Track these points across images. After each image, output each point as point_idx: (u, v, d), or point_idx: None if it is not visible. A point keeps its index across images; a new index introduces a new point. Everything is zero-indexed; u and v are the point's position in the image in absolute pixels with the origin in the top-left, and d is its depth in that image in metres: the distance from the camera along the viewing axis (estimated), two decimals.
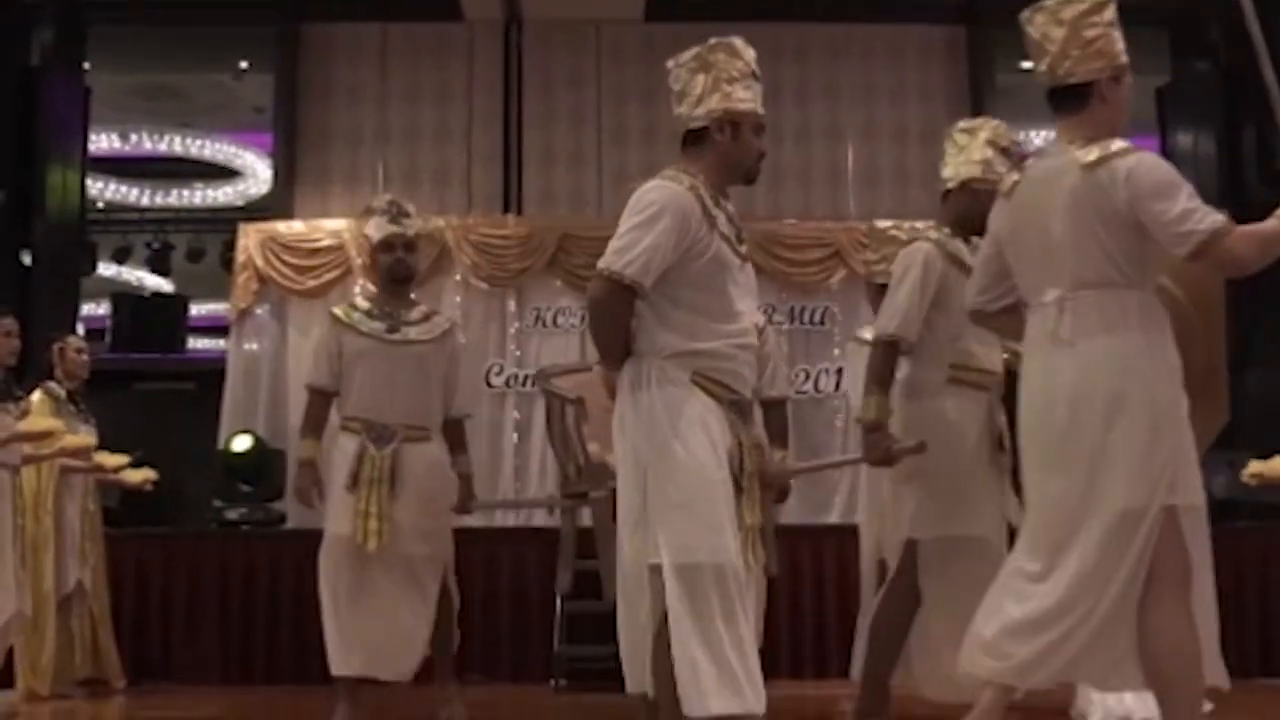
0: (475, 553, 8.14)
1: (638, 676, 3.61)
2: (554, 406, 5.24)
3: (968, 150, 4.78)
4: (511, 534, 8.53)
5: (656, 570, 3.45)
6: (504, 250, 9.74)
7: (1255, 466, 7.57)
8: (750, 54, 3.79)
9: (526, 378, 9.42)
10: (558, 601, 7.50)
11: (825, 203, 10.88)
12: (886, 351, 4.53)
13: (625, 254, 3.54)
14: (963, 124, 4.93)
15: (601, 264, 3.58)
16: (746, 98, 3.75)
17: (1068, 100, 3.81)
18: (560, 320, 9.66)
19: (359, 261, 9.57)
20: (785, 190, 10.97)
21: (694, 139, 3.76)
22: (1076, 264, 3.63)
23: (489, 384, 9.62)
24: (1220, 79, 10.80)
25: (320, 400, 5.64)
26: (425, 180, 10.89)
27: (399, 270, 5.65)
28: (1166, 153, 11.44)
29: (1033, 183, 3.80)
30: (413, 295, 5.84)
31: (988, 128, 4.83)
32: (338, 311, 5.72)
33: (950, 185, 4.82)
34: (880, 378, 4.50)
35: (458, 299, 9.72)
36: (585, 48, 11.13)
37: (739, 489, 3.54)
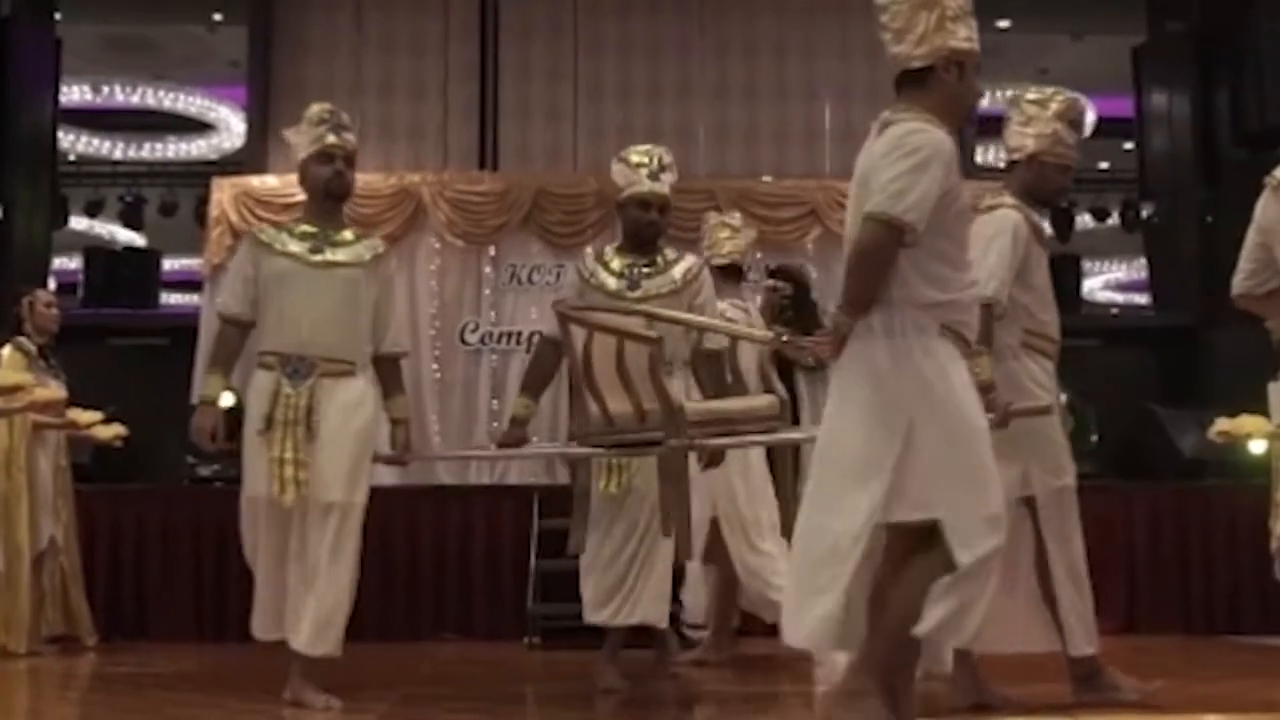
0: (450, 511, 8.18)
1: (842, 635, 3.53)
2: (587, 341, 4.90)
3: (1037, 122, 4.78)
4: (486, 491, 8.53)
5: (900, 526, 3.44)
6: (480, 207, 9.70)
7: (1222, 425, 7.65)
8: None
9: (502, 335, 9.41)
10: (531, 560, 7.53)
11: (801, 161, 10.86)
12: (985, 313, 4.39)
13: (903, 199, 3.43)
14: (1032, 94, 4.90)
15: (876, 208, 3.45)
16: (969, 36, 3.66)
17: None
18: (536, 277, 9.62)
19: None
20: (761, 148, 10.96)
21: (913, 80, 3.66)
22: None
23: (464, 341, 9.60)
24: (1195, 40, 10.83)
25: (233, 332, 5.07)
26: (401, 135, 10.83)
27: (337, 185, 5.09)
28: (1141, 112, 11.48)
29: None
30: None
31: (1058, 100, 4.81)
32: (258, 231, 5.23)
33: (1017, 156, 4.82)
34: (987, 339, 4.43)
35: (433, 256, 9.68)
36: (562, 1, 11.06)
37: None
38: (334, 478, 4.85)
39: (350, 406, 4.93)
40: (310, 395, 4.86)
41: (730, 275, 6.64)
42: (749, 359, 6.47)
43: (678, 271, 5.44)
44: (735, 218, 6.96)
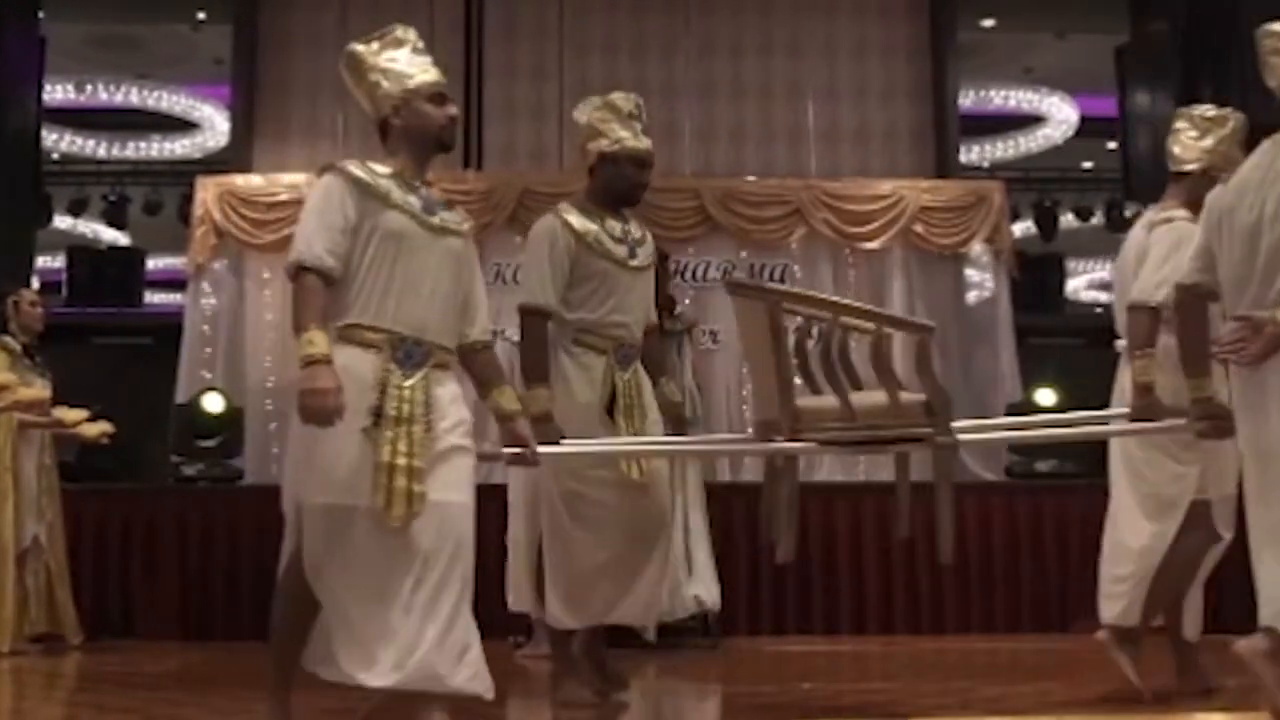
0: None
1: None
2: (829, 326, 4.49)
3: (1211, 137, 4.94)
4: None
5: None
6: (465, 206, 9.56)
7: None
8: None
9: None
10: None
11: (786, 160, 10.88)
12: (1152, 317, 4.67)
13: None
14: (1210, 110, 5.04)
15: None
16: None
17: None
18: (521, 276, 9.57)
19: None
20: (746, 147, 10.97)
21: None
22: None
23: None
24: (1179, 39, 10.85)
25: (318, 285, 3.77)
26: None
27: (451, 134, 4.05)
28: (1125, 112, 11.50)
29: None
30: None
31: (1235, 119, 4.98)
32: (354, 169, 3.89)
33: (1189, 168, 4.96)
34: (1150, 342, 4.66)
35: None
36: (547, 0, 11.06)
37: None
38: (455, 491, 3.84)
39: (460, 406, 3.97)
40: (426, 388, 3.84)
41: None
42: None
43: (650, 241, 5.13)
44: None
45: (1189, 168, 4.92)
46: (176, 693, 5.72)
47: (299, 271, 3.81)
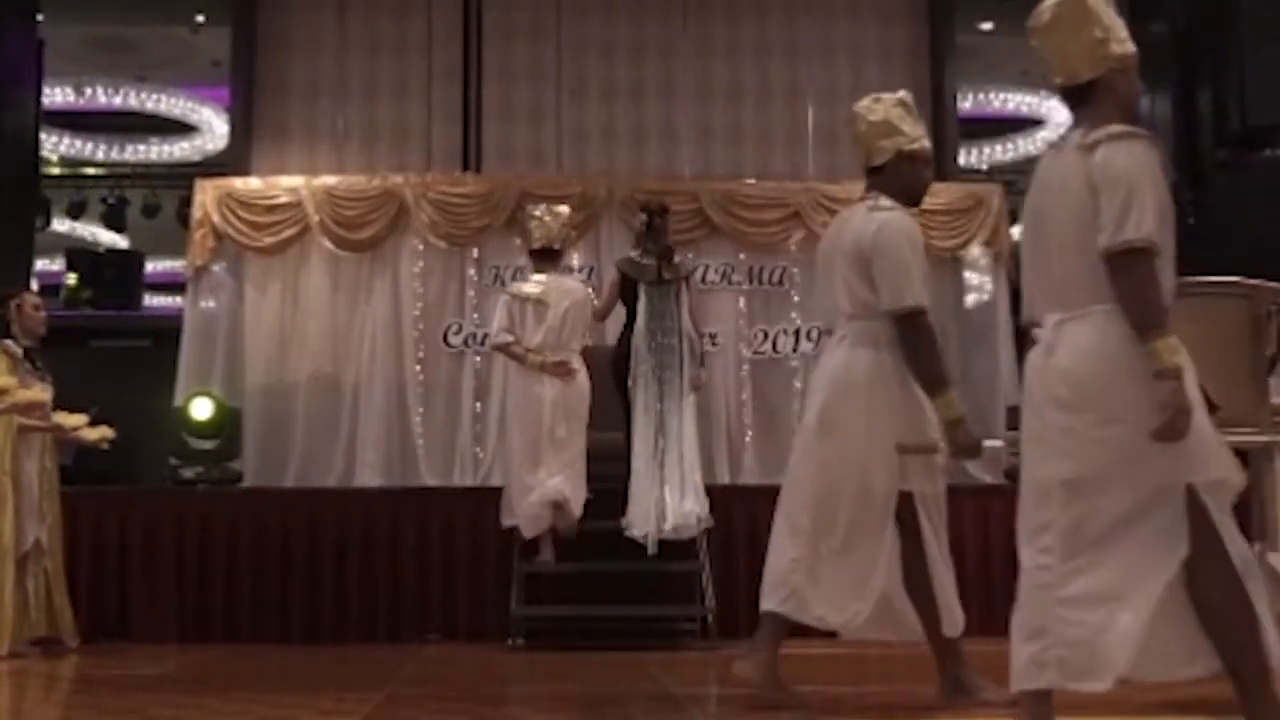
0: (433, 512, 8.16)
1: None
2: None
3: None
4: (469, 494, 8.52)
5: None
6: (463, 208, 9.69)
7: None
8: None
9: (485, 337, 9.38)
10: (514, 561, 7.52)
11: (784, 163, 10.88)
12: None
13: None
14: None
15: None
16: None
17: None
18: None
19: (316, 219, 9.50)
20: (745, 150, 10.97)
21: None
22: None
23: (447, 343, 9.58)
24: (1177, 40, 10.86)
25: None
26: (384, 137, 10.82)
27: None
28: None
29: None
30: None
31: None
32: None
33: None
34: None
35: (416, 258, 9.67)
36: (545, 2, 11.06)
37: None
38: None
39: None
40: None
41: (546, 257, 7.69)
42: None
43: None
44: (541, 208, 7.85)
45: None
46: (175, 695, 5.72)
47: (1148, 255, 3.48)
